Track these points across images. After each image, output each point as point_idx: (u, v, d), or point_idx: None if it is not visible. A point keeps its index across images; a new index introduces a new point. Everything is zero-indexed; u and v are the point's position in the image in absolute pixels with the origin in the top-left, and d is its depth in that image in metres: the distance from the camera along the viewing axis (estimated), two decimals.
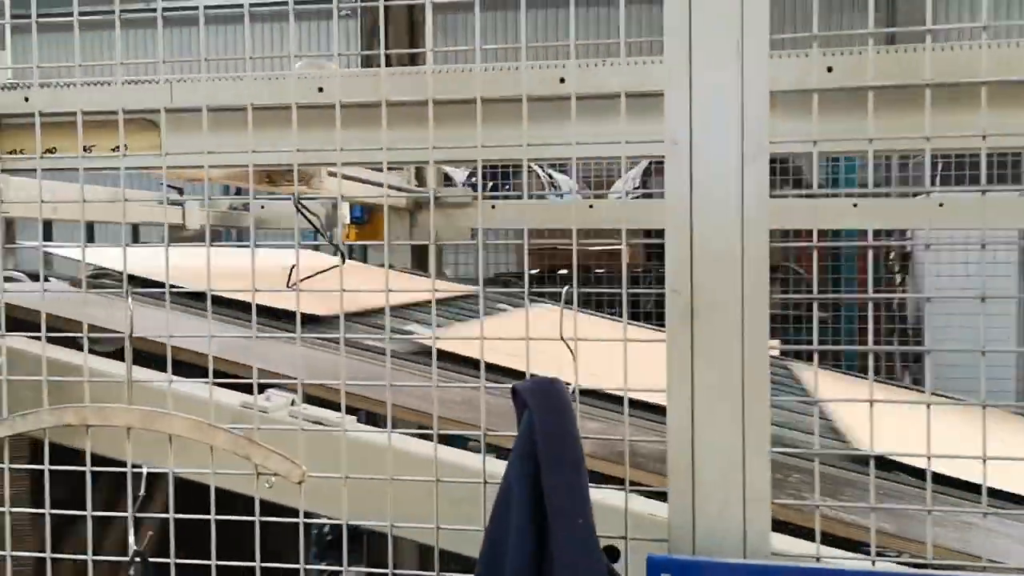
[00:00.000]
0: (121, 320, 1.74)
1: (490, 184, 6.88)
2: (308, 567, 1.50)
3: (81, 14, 1.53)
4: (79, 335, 1.53)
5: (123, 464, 1.51)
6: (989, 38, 1.37)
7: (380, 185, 3.55)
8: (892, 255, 6.87)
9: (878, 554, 1.35)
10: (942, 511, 1.61)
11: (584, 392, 1.43)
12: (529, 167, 6.99)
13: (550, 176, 7.45)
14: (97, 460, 1.49)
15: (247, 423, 1.50)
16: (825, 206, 2.95)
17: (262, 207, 4.68)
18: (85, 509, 1.47)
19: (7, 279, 2.00)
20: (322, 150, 1.53)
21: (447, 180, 5.89)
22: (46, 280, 2.41)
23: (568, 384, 1.29)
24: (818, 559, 1.29)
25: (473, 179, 6.84)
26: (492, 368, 2.25)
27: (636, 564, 1.33)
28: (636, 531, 1.38)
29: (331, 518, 1.63)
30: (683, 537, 1.29)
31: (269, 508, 1.48)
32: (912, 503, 1.79)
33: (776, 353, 3.79)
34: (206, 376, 1.63)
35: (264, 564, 1.46)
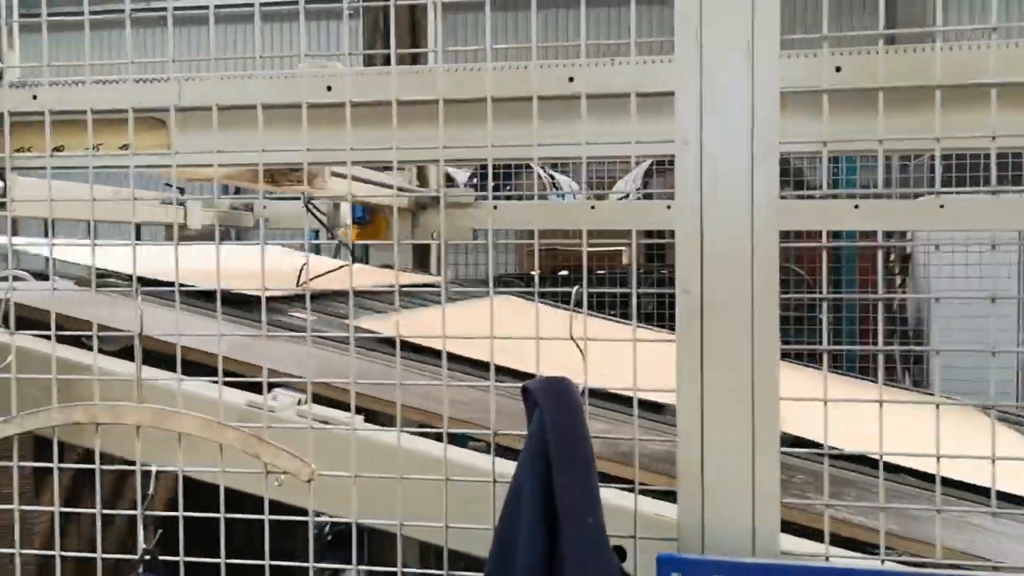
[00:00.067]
0: (126, 319, 1.75)
1: (492, 184, 6.86)
2: (306, 565, 1.50)
3: (88, 14, 1.53)
4: (87, 334, 1.53)
5: (120, 462, 1.51)
6: (999, 39, 1.37)
7: (383, 185, 3.55)
8: (892, 256, 6.88)
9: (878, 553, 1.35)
10: (950, 511, 1.62)
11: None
12: (530, 167, 6.99)
13: (551, 176, 7.45)
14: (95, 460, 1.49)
15: (254, 422, 1.51)
16: (832, 207, 2.95)
17: (264, 207, 4.68)
18: (82, 507, 1.47)
19: (6, 279, 2.00)
20: (332, 149, 1.53)
21: (448, 180, 5.89)
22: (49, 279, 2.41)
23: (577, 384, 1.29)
24: (827, 558, 1.29)
25: (475, 179, 6.84)
26: (478, 364, 2.25)
27: (644, 564, 1.33)
28: (642, 531, 1.38)
29: (333, 517, 1.63)
30: (692, 537, 1.29)
31: (271, 508, 1.48)
32: (914, 503, 1.79)
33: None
34: (209, 375, 1.63)
35: (270, 563, 1.46)
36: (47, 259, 3.28)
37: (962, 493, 1.99)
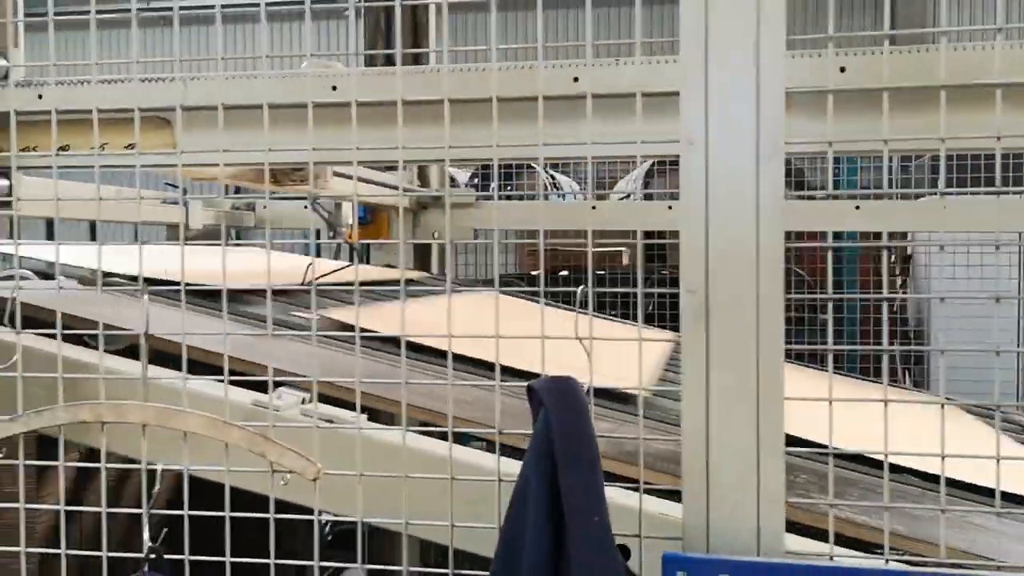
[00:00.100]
0: (129, 319, 1.75)
1: (493, 185, 6.88)
2: (305, 563, 1.50)
3: (94, 13, 1.53)
4: (91, 332, 1.53)
5: (122, 463, 1.51)
6: (1004, 39, 1.37)
7: (386, 185, 3.55)
8: (893, 257, 6.88)
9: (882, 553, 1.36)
10: (953, 511, 1.62)
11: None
12: (530, 167, 7.00)
13: (552, 177, 7.45)
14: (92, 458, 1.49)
15: (259, 421, 1.51)
16: (834, 208, 2.95)
17: (264, 207, 4.68)
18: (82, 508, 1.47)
19: (13, 278, 2.00)
20: (338, 148, 1.54)
21: (450, 180, 5.88)
22: (54, 278, 2.41)
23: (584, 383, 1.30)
24: (831, 558, 1.30)
25: (475, 180, 6.84)
26: (464, 359, 2.26)
27: (648, 563, 1.33)
28: (646, 530, 1.39)
29: (336, 516, 1.63)
30: (697, 536, 1.29)
31: (265, 506, 1.48)
32: (916, 503, 1.79)
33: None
34: (211, 374, 1.64)
35: (276, 562, 1.46)
36: (49, 259, 3.29)
37: (963, 493, 1.99)
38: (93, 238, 6.91)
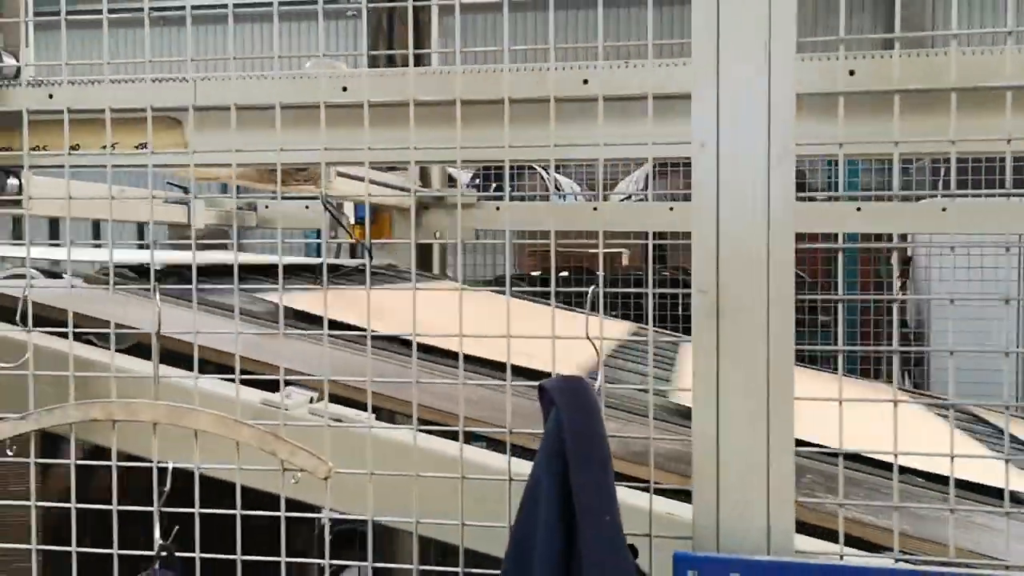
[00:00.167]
0: (137, 318, 1.75)
1: (493, 185, 6.89)
2: (313, 561, 1.50)
3: (100, 12, 1.54)
4: (103, 331, 1.54)
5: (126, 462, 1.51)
6: (1014, 42, 1.38)
7: (388, 186, 3.56)
8: (893, 259, 6.89)
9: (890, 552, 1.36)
10: (963, 511, 1.63)
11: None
12: (532, 168, 7.00)
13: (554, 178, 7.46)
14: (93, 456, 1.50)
15: (268, 420, 1.51)
16: (839, 210, 2.97)
17: (267, 207, 4.68)
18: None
19: (21, 276, 2.00)
20: (351, 149, 1.54)
21: (450, 181, 5.89)
22: (60, 277, 2.41)
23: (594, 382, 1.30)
24: (841, 557, 1.30)
25: (477, 180, 6.85)
26: (451, 355, 2.27)
27: (658, 562, 1.34)
28: (655, 530, 1.39)
29: (343, 514, 1.64)
30: (707, 535, 1.30)
31: (262, 505, 1.49)
32: (922, 502, 1.80)
33: None
34: (215, 373, 1.64)
35: (286, 560, 1.47)
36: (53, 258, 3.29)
37: (963, 492, 2.00)
38: (95, 237, 6.88)
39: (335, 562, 1.55)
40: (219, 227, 4.94)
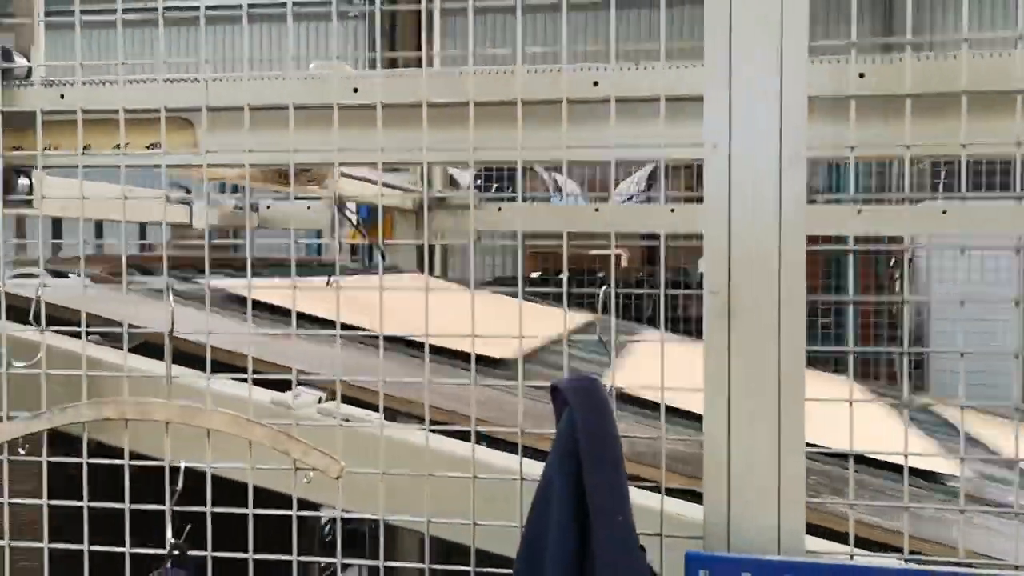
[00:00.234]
0: (147, 317, 1.76)
1: (495, 186, 6.91)
2: (303, 559, 1.51)
3: (110, 12, 1.54)
4: (115, 331, 1.54)
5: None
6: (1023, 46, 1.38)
7: (390, 186, 3.56)
8: (893, 261, 6.91)
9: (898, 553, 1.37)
10: (973, 511, 1.63)
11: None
12: (531, 169, 7.01)
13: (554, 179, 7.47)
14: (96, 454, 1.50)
15: (277, 420, 1.52)
16: (839, 212, 2.98)
17: (268, 207, 4.67)
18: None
19: (30, 276, 2.00)
20: (363, 150, 1.55)
21: (452, 182, 5.90)
22: (66, 276, 2.42)
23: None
24: (851, 557, 1.31)
25: (478, 181, 6.85)
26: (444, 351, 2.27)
27: (669, 562, 1.34)
28: (666, 530, 1.40)
29: (350, 513, 1.64)
30: (718, 535, 1.30)
31: (267, 506, 1.49)
32: (924, 503, 1.81)
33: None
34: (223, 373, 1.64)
35: (297, 559, 1.47)
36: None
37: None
38: (98, 237, 6.87)
39: (345, 560, 1.56)
40: (220, 228, 4.94)
